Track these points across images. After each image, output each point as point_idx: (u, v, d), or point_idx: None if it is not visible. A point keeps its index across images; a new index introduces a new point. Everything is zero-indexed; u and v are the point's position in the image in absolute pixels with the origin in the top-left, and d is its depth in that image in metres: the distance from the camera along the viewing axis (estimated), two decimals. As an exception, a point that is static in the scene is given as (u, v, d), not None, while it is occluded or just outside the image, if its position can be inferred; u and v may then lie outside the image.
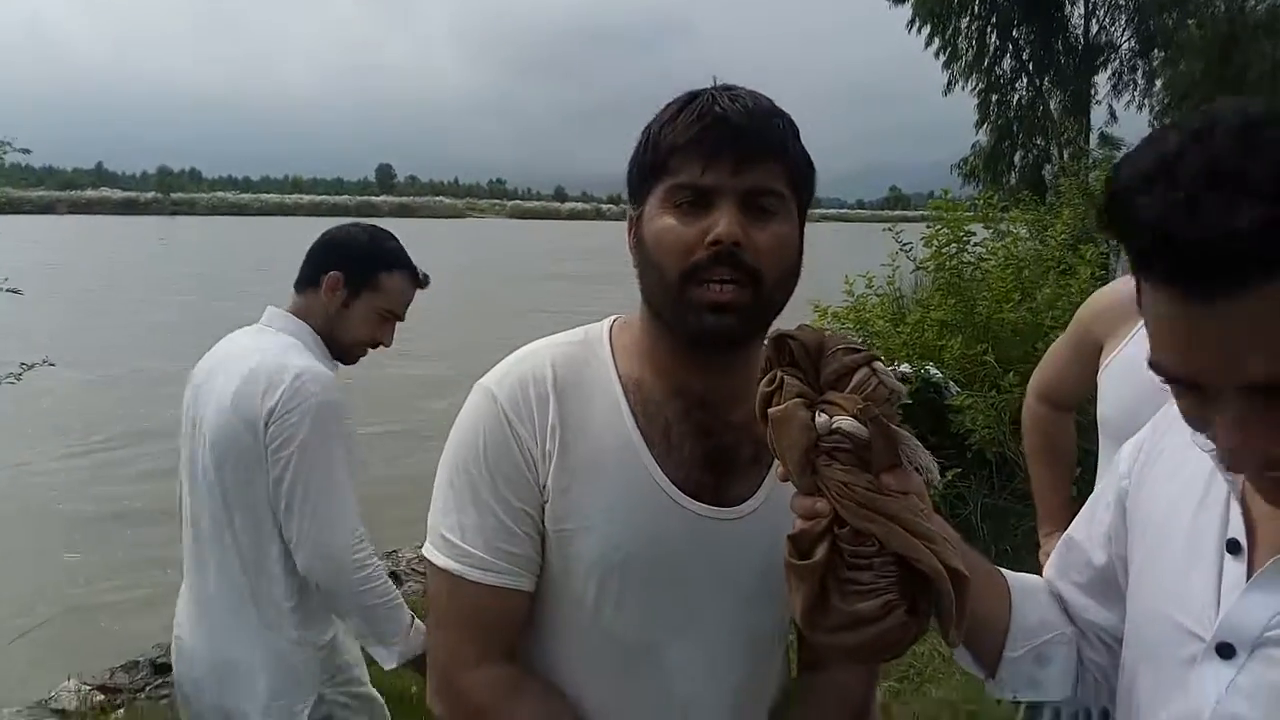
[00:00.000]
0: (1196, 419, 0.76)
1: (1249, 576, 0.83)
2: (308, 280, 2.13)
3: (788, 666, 1.28)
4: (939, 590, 0.85)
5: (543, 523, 1.09)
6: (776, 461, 0.91)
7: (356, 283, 2.12)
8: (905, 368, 5.35)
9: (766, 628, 1.17)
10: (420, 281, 2.23)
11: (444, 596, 1.11)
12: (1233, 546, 0.86)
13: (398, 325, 2.22)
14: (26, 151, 4.82)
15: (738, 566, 1.10)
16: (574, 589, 1.10)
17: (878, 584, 0.84)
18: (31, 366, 4.62)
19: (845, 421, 0.87)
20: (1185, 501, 0.93)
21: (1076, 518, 1.14)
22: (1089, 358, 1.93)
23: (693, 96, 1.06)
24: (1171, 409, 0.96)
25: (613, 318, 1.20)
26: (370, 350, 2.21)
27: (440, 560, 1.10)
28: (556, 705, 1.12)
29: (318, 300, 2.11)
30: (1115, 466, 1.07)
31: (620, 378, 1.12)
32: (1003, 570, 1.11)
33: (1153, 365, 0.74)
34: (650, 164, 1.07)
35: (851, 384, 0.90)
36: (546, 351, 1.14)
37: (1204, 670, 0.84)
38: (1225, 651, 0.82)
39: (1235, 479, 0.87)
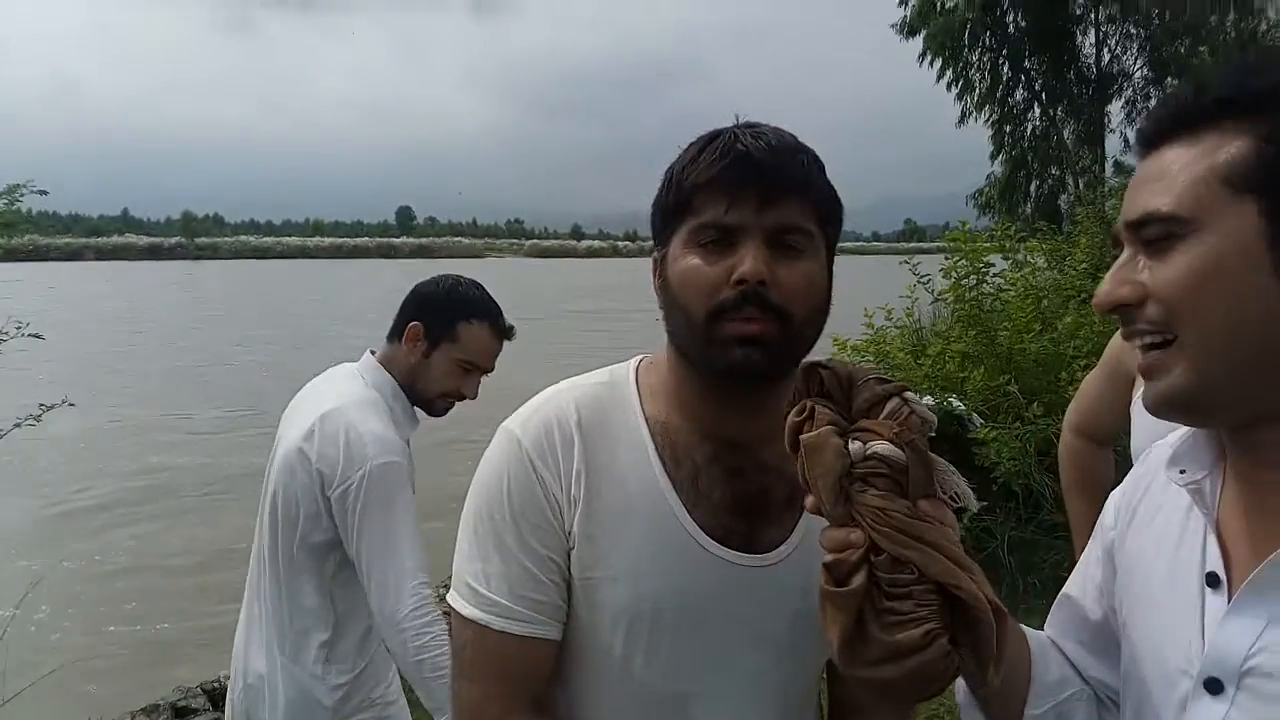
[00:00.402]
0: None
1: None
2: (394, 330, 2.15)
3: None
4: (980, 621, 0.82)
5: (569, 570, 1.07)
6: (809, 497, 0.88)
7: (436, 334, 2.12)
8: (928, 400, 5.30)
9: (799, 681, 1.13)
10: (505, 333, 2.19)
11: (469, 647, 1.08)
12: (1212, 580, 0.85)
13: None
14: (44, 193, 4.87)
15: (770, 615, 1.07)
16: (602, 639, 1.07)
17: (918, 613, 0.81)
18: (51, 407, 4.64)
19: (882, 446, 0.86)
20: (1165, 542, 0.93)
21: (1071, 574, 1.12)
22: (1122, 390, 1.90)
23: (715, 135, 1.05)
24: (1151, 457, 1.02)
25: (639, 358, 1.18)
26: (456, 402, 2.20)
27: (465, 610, 1.07)
28: None
29: (401, 351, 2.13)
30: (1102, 519, 1.07)
31: (647, 420, 1.10)
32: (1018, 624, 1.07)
33: (1112, 236, 0.88)
34: (674, 204, 1.06)
35: (884, 413, 0.89)
36: (570, 393, 1.12)
37: (1196, 708, 0.82)
38: (1213, 686, 0.81)
39: (1210, 510, 0.88)
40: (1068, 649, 1.07)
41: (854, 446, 0.86)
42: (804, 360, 0.97)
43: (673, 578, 1.05)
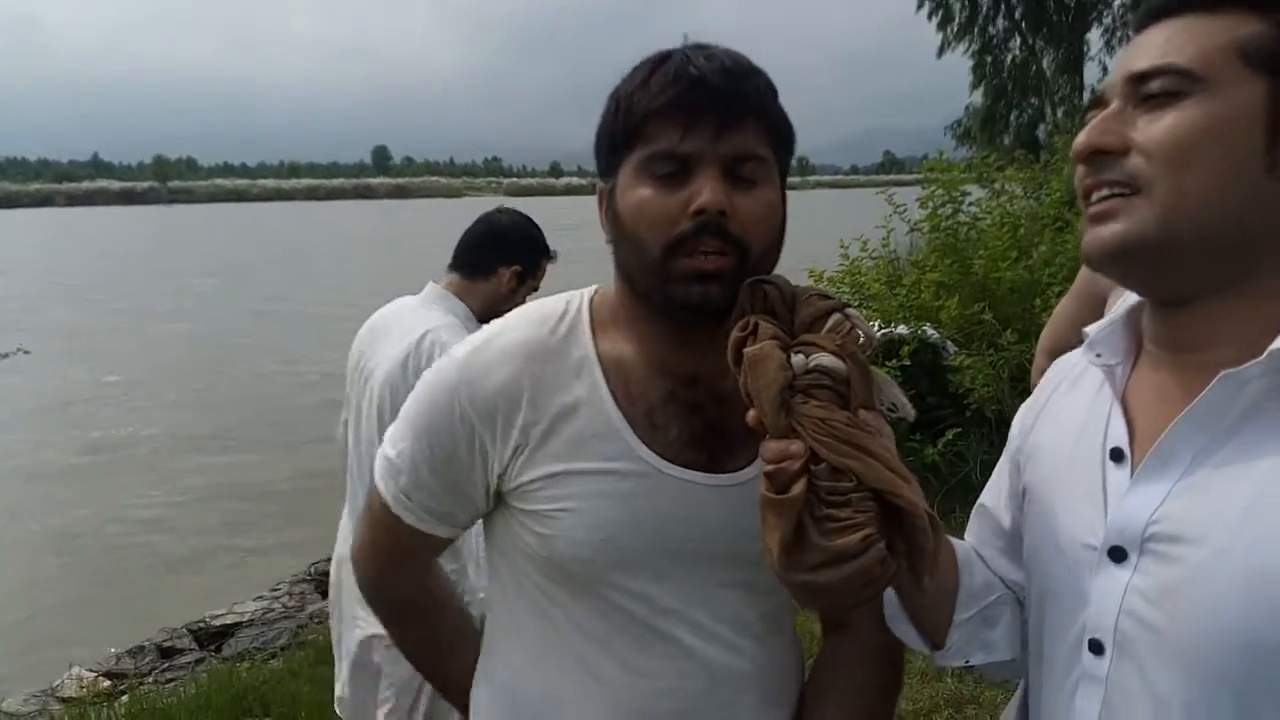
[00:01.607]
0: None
1: None
2: (477, 267, 2.46)
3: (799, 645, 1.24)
4: (916, 528, 0.84)
5: (519, 508, 1.09)
6: (751, 411, 0.88)
7: (526, 274, 2.48)
8: (902, 329, 5.33)
9: (775, 599, 1.13)
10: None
11: (375, 509, 1.18)
12: (1116, 455, 0.87)
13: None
14: None
15: (741, 534, 1.05)
16: (573, 569, 1.07)
17: (856, 519, 0.82)
18: (5, 356, 4.60)
19: (825, 358, 0.86)
20: (1070, 427, 0.96)
21: (986, 485, 1.14)
22: (1095, 312, 1.91)
23: (665, 57, 1.01)
24: (1061, 364, 1.06)
25: (594, 288, 1.16)
26: None
27: (380, 483, 1.15)
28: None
29: (487, 286, 2.45)
30: (1011, 429, 1.09)
31: (600, 356, 1.08)
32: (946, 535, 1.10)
33: (1090, 101, 0.89)
34: (623, 132, 1.01)
35: (826, 327, 0.90)
36: (523, 346, 1.08)
37: (1102, 578, 0.84)
38: (1117, 555, 0.83)
39: (1118, 390, 0.90)
40: (987, 555, 1.09)
41: (797, 360, 0.87)
42: (751, 277, 0.96)
43: (634, 507, 1.04)
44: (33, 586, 6.08)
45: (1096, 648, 0.85)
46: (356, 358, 2.46)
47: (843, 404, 0.86)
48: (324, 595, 5.48)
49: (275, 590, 5.54)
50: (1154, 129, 0.81)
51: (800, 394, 0.86)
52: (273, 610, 5.21)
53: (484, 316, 2.30)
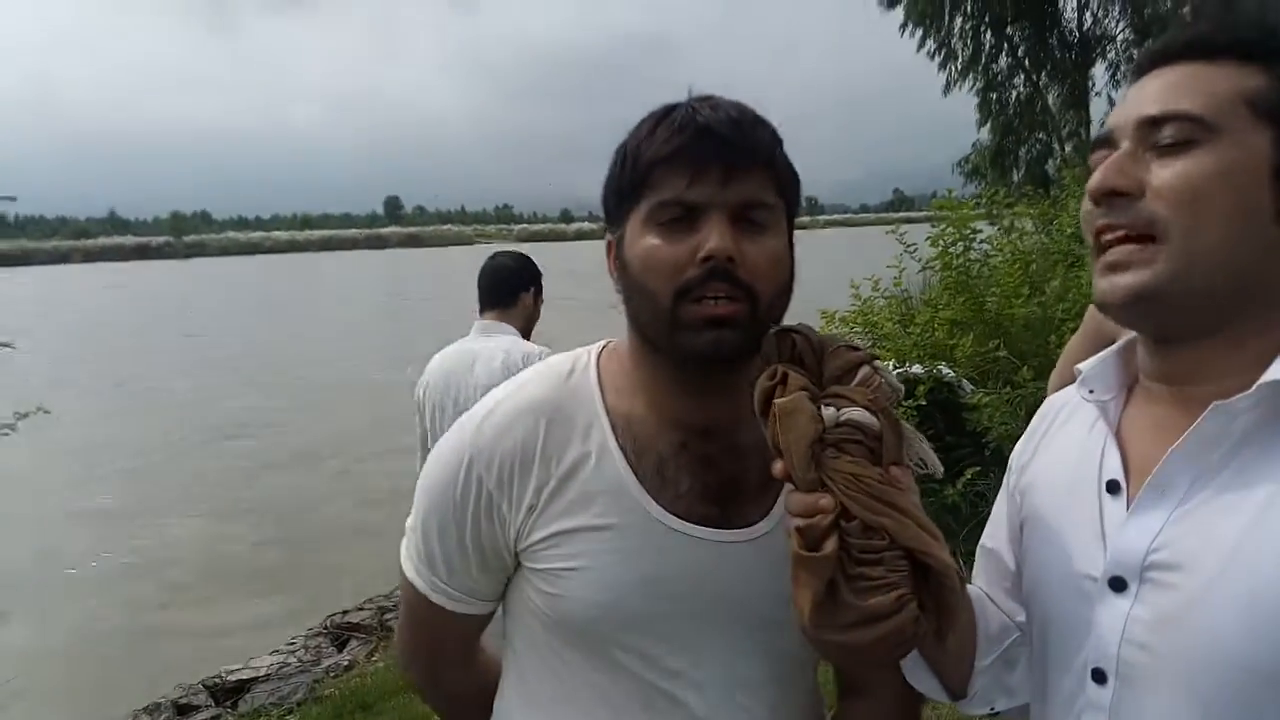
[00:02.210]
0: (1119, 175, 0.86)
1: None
2: (506, 299, 3.20)
3: (821, 698, 1.22)
4: (946, 587, 0.83)
5: (518, 562, 1.09)
6: (778, 463, 0.87)
7: (538, 292, 3.26)
8: (917, 369, 5.29)
9: (790, 649, 1.09)
10: None
11: (409, 604, 1.17)
12: (1112, 487, 0.89)
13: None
14: (12, 199, 4.95)
15: (752, 592, 1.04)
16: (583, 629, 1.05)
17: (889, 578, 0.82)
18: (25, 415, 4.65)
19: (857, 412, 0.86)
20: (1065, 462, 0.97)
21: (986, 526, 1.14)
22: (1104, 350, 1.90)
23: (670, 109, 1.02)
24: (1052, 400, 1.09)
25: (603, 343, 1.15)
26: None
27: (410, 573, 1.14)
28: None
29: (522, 310, 3.21)
30: (1008, 469, 1.10)
31: (609, 412, 1.07)
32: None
33: (1097, 138, 0.90)
34: (630, 182, 1.02)
35: (856, 379, 0.89)
36: (533, 402, 1.08)
37: (1103, 608, 0.86)
38: (1117, 585, 0.85)
39: (1113, 424, 0.93)
40: (996, 597, 1.10)
41: (827, 412, 0.86)
42: (778, 325, 0.95)
43: (643, 566, 1.03)
44: (49, 644, 6.05)
45: (1100, 677, 0.85)
46: (440, 389, 3.02)
47: (874, 459, 0.85)
48: (340, 649, 5.44)
49: (291, 644, 5.50)
50: (1169, 174, 0.82)
51: (831, 447, 0.85)
52: (288, 665, 5.17)
53: (525, 333, 3.18)
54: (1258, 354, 0.82)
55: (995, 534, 1.11)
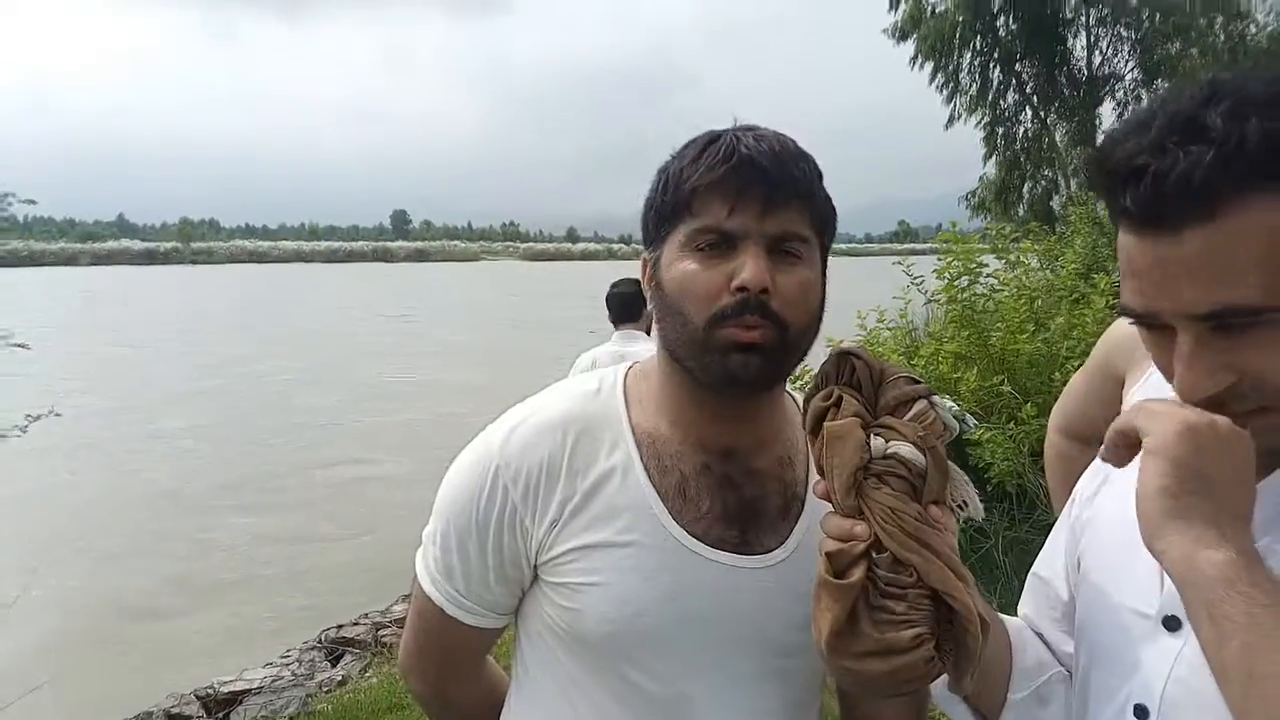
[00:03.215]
0: (1165, 366, 0.82)
1: None
2: (634, 313, 4.26)
3: None
4: (967, 633, 0.83)
5: (536, 576, 1.09)
6: (820, 483, 0.89)
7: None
8: (951, 404, 5.30)
9: (801, 677, 1.12)
10: None
11: (422, 615, 1.18)
12: None
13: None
14: (32, 202, 4.91)
15: (767, 618, 1.06)
16: (597, 646, 1.06)
17: (910, 615, 0.82)
18: (37, 418, 4.64)
19: (905, 448, 0.86)
20: (1128, 500, 0.93)
21: (1040, 553, 1.14)
22: (1110, 389, 1.89)
23: (715, 137, 1.04)
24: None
25: (629, 364, 1.18)
26: None
27: (426, 585, 1.14)
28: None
29: (646, 320, 3.93)
30: (1072, 497, 1.09)
31: (634, 430, 1.09)
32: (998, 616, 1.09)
33: (1121, 308, 0.84)
34: (671, 205, 1.04)
35: (910, 414, 0.90)
36: (560, 416, 1.10)
37: (1153, 646, 0.85)
38: (1171, 624, 0.84)
39: None
40: (1043, 628, 1.09)
41: (876, 442, 0.87)
42: (841, 344, 0.97)
43: (661, 584, 1.04)
44: (40, 652, 6.01)
45: (1141, 713, 0.85)
46: None
47: (915, 496, 0.86)
48: (334, 663, 5.41)
49: (285, 657, 5.48)
50: (1257, 356, 0.78)
51: (874, 478, 0.85)
52: (281, 678, 5.15)
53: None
54: None
55: (1051, 563, 1.10)
